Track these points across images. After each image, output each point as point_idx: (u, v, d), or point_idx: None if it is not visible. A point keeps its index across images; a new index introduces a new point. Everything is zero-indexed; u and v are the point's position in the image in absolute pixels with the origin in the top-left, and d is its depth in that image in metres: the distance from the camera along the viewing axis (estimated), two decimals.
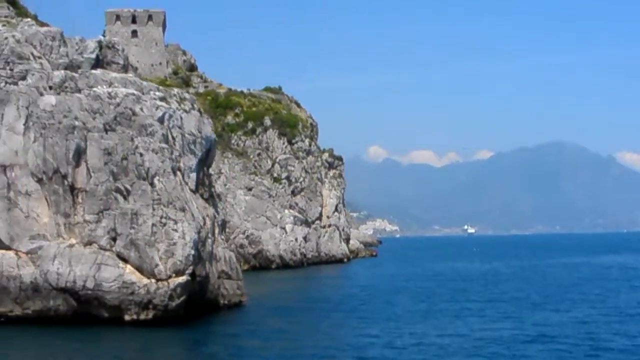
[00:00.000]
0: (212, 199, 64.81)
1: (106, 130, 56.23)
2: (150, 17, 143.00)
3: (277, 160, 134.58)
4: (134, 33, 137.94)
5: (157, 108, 57.71)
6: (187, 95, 61.30)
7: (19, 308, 53.83)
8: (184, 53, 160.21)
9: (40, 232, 55.10)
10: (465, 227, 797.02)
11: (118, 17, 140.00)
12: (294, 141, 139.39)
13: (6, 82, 57.72)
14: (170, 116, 58.38)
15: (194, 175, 60.46)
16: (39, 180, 55.66)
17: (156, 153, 55.59)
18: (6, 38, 59.89)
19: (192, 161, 60.32)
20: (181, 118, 59.51)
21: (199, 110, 60.76)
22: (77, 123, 55.72)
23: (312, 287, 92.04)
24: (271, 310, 63.74)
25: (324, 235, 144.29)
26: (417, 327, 53.39)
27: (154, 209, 54.43)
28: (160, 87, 60.19)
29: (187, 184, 59.26)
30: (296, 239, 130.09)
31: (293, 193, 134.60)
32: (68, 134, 55.59)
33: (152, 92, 58.52)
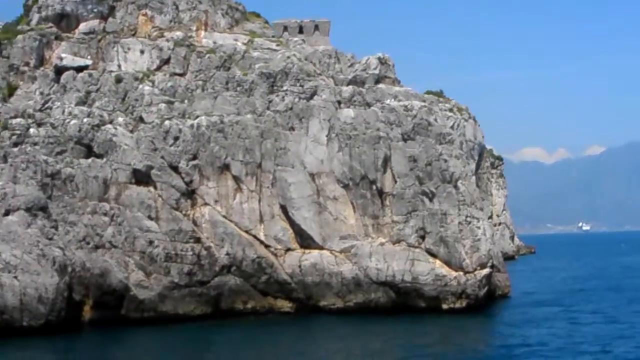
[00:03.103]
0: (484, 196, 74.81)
1: (405, 140, 66.55)
2: (316, 27, 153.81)
3: None
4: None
5: (447, 118, 67.80)
6: (462, 106, 71.17)
7: (341, 301, 64.28)
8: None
9: (349, 233, 65.64)
10: (580, 224, 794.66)
11: (286, 28, 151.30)
12: None
13: (300, 98, 68.33)
14: (458, 125, 68.34)
15: (473, 178, 70.38)
16: (345, 186, 66.15)
17: (458, 159, 65.58)
18: (289, 57, 70.68)
19: (472, 165, 70.20)
20: (464, 126, 69.40)
21: (473, 119, 70.59)
22: (381, 134, 66.14)
23: (539, 278, 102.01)
24: (535, 300, 73.48)
25: (496, 234, 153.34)
26: None
27: (459, 209, 64.41)
28: (441, 98, 70.16)
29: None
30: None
31: None
32: (374, 143, 65.89)
33: (440, 104, 68.66)
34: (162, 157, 63.13)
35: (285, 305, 63.24)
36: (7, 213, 58.58)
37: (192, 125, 64.38)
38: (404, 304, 62.95)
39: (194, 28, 72.55)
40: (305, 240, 64.00)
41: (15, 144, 63.23)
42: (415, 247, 63.45)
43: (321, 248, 64.15)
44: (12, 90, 68.44)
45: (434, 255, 63.22)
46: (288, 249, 63.77)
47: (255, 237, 63.47)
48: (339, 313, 62.66)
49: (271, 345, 51.71)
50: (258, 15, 79.04)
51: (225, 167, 63.90)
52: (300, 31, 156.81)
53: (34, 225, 58.78)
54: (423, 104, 66.82)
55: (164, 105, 65.45)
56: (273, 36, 75.75)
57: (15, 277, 55.55)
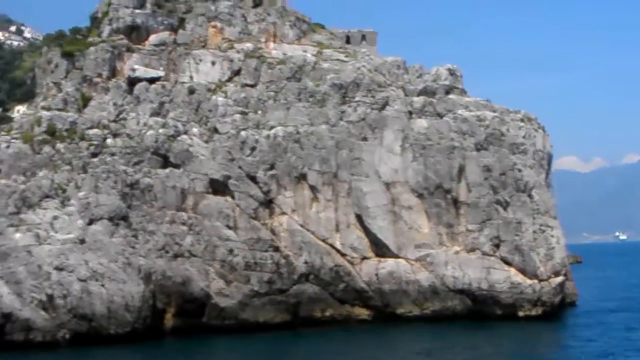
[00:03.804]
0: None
1: (478, 149, 68.24)
2: (363, 37, 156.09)
3: None
4: None
5: (519, 128, 69.39)
6: (532, 115, 72.71)
7: (418, 309, 65.99)
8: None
9: (424, 241, 67.37)
10: (617, 233, 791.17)
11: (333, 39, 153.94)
12: None
13: (372, 109, 70.14)
14: (529, 135, 69.89)
15: (544, 187, 71.81)
16: (419, 195, 67.91)
17: (531, 168, 67.23)
18: (359, 68, 72.62)
19: (542, 175, 71.67)
20: (534, 136, 70.94)
21: (542, 129, 72.12)
22: (455, 143, 67.87)
23: (599, 286, 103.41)
24: (604, 308, 74.92)
25: None
26: None
27: (534, 218, 66.04)
28: (509, 109, 71.67)
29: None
30: None
31: None
32: (449, 153, 67.61)
33: (511, 114, 70.28)
34: (240, 167, 65.11)
35: (362, 313, 64.99)
36: (90, 222, 60.76)
37: (268, 136, 66.31)
38: (480, 311, 64.54)
39: (263, 39, 74.62)
40: (380, 249, 65.72)
41: (94, 155, 65.40)
42: (490, 255, 65.07)
43: (396, 256, 65.83)
44: (85, 101, 70.57)
45: (508, 264, 64.83)
46: (364, 258, 65.55)
47: (331, 245, 65.24)
48: (416, 320, 64.29)
49: (353, 353, 53.44)
50: (322, 27, 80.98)
51: (302, 177, 65.77)
52: (348, 41, 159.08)
53: (117, 234, 61.05)
54: (495, 114, 68.43)
55: (238, 116, 67.46)
56: (340, 47, 77.43)
57: (103, 286, 57.74)
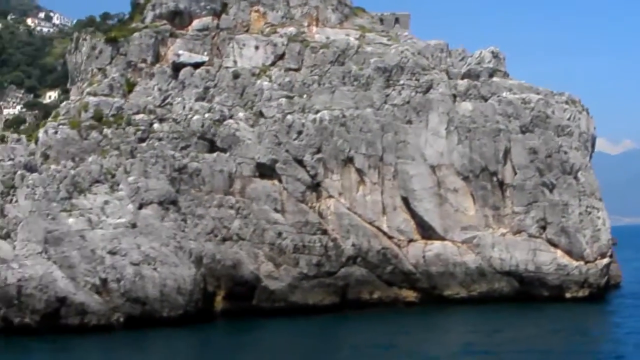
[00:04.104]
0: None
1: (523, 132, 68.84)
2: (396, 20, 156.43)
3: None
4: None
5: (564, 110, 69.90)
6: (575, 97, 73.16)
7: (465, 290, 66.81)
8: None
9: (470, 224, 68.12)
10: None
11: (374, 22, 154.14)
12: None
13: (416, 92, 70.75)
14: (574, 117, 70.40)
15: (590, 169, 72.22)
16: (465, 178, 68.62)
17: (578, 150, 67.83)
18: (402, 51, 73.16)
19: (587, 157, 72.12)
20: (579, 119, 71.42)
21: (586, 111, 72.59)
22: (501, 126, 68.47)
23: (637, 267, 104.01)
24: None
25: None
26: None
27: (580, 200, 66.73)
28: (553, 91, 72.15)
29: None
30: None
31: None
32: (495, 136, 68.22)
33: (556, 96, 70.78)
34: (287, 151, 65.93)
35: (410, 295, 65.82)
36: (140, 207, 61.86)
37: (314, 120, 67.03)
38: (527, 293, 65.29)
39: (306, 24, 75.24)
40: (426, 231, 66.48)
41: (141, 140, 66.42)
42: (536, 237, 65.84)
43: (442, 239, 66.55)
44: (130, 86, 71.64)
45: (555, 245, 65.60)
46: (410, 240, 66.32)
47: (378, 228, 66.04)
48: (463, 303, 65.00)
49: (402, 334, 54.40)
50: (364, 10, 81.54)
51: (349, 160, 66.52)
52: (381, 24, 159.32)
53: (167, 218, 62.07)
54: (540, 96, 68.95)
55: (284, 100, 68.22)
56: (382, 31, 78.08)
57: (155, 269, 58.76)
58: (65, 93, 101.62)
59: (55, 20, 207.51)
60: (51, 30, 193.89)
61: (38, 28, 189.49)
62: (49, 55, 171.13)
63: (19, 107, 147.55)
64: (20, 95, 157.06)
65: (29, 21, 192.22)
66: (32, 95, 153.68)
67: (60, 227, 59.06)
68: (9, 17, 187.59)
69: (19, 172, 61.71)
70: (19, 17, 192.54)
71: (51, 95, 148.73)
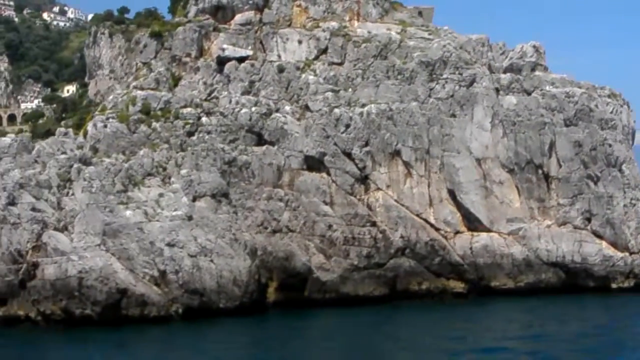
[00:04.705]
0: None
1: (567, 125, 70.13)
2: (420, 14, 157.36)
3: None
4: None
5: (607, 104, 71.19)
6: (615, 91, 74.46)
7: (512, 281, 67.91)
8: None
9: (516, 216, 69.38)
10: None
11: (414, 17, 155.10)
12: None
13: (460, 86, 71.87)
14: (616, 111, 71.66)
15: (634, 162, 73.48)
16: (510, 171, 69.85)
17: (621, 143, 69.18)
18: (444, 46, 74.19)
19: (631, 150, 73.25)
20: (621, 112, 72.63)
21: (627, 104, 73.88)
22: (545, 119, 69.74)
23: None
24: None
25: None
26: None
27: (624, 192, 68.12)
28: (595, 85, 73.42)
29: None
30: None
31: None
32: (540, 129, 69.40)
33: (598, 90, 72.08)
34: (335, 144, 67.12)
35: (458, 286, 67.02)
36: (194, 199, 63.11)
37: (361, 113, 68.16)
38: (573, 283, 66.59)
39: (347, 18, 76.34)
40: (472, 223, 67.71)
41: (190, 133, 67.62)
42: (582, 229, 67.21)
43: (489, 230, 67.74)
44: (176, 80, 72.81)
45: (600, 237, 66.98)
46: (457, 232, 67.56)
47: (425, 220, 67.27)
48: (510, 293, 66.27)
49: (450, 324, 56.45)
50: (402, 5, 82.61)
51: (396, 153, 67.72)
52: (420, 16, 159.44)
53: (220, 210, 63.31)
54: (583, 90, 70.21)
55: (330, 93, 69.29)
56: (422, 25, 79.08)
57: (212, 261, 60.09)
58: (84, 87, 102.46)
59: (70, 15, 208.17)
60: (67, 24, 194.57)
61: (55, 22, 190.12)
62: (66, 49, 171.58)
63: (36, 101, 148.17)
64: (38, 89, 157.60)
65: (45, 15, 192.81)
66: (49, 89, 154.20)
67: (118, 219, 60.33)
68: (25, 12, 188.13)
69: (75, 166, 62.67)
70: (34, 12, 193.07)
71: (69, 89, 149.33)
